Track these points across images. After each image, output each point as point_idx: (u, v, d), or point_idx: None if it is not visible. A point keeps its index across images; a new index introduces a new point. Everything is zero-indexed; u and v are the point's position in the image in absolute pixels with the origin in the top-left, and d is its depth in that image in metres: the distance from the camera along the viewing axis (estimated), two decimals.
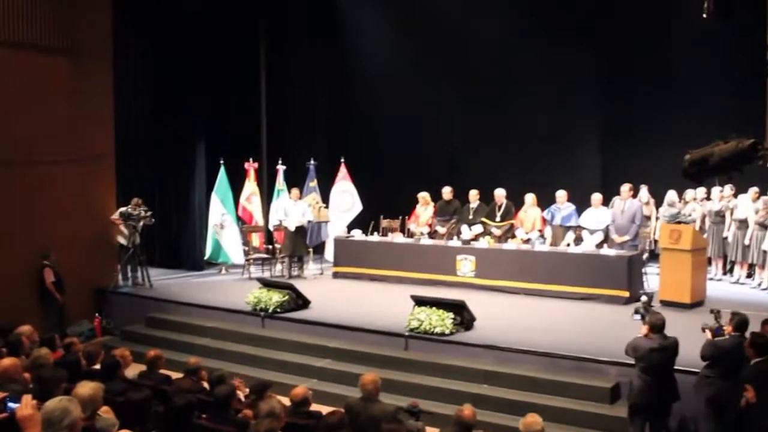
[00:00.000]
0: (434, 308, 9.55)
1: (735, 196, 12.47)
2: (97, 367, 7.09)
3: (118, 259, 13.11)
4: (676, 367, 7.01)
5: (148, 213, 12.89)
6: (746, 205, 12.21)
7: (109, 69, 13.05)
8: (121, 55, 13.48)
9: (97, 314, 12.42)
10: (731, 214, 12.41)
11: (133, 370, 7.64)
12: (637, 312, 7.43)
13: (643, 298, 7.56)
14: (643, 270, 11.78)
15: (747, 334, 6.74)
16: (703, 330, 7.11)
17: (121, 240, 13.08)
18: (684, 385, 7.03)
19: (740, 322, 6.79)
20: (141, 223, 12.81)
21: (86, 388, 4.91)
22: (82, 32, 12.41)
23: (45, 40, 11.88)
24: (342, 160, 15.12)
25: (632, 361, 7.09)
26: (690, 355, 7.12)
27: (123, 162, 13.60)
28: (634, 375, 7.02)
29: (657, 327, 6.81)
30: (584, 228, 12.30)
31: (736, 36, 10.83)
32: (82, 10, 12.39)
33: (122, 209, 12.80)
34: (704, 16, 6.30)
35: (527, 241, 12.45)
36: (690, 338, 7.20)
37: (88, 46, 12.52)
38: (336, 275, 13.40)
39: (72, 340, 8.08)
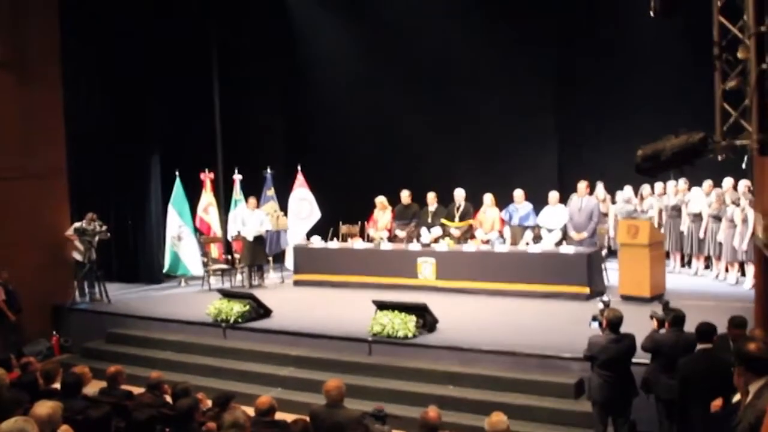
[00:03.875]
0: (396, 312, 9.56)
1: (689, 189, 12.66)
2: (56, 386, 6.96)
3: (75, 276, 12.90)
4: (636, 361, 7.06)
5: (104, 228, 12.69)
6: (700, 198, 12.40)
7: (58, 82, 12.86)
8: (70, 67, 13.27)
9: (54, 332, 12.21)
10: (687, 207, 12.59)
11: (93, 387, 7.50)
12: (594, 319, 7.48)
13: (600, 306, 7.61)
14: (603, 266, 11.90)
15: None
16: (651, 318, 7.21)
17: (77, 256, 12.86)
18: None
19: (676, 318, 6.84)
20: (96, 238, 12.60)
21: (44, 407, 4.80)
22: (29, 45, 12.22)
23: None
24: (299, 167, 15.07)
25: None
26: None
27: (76, 176, 13.40)
28: (592, 374, 7.07)
29: (613, 323, 6.85)
30: (542, 227, 12.40)
31: (685, 33, 11.02)
32: (28, 22, 12.19)
33: (77, 225, 12.60)
34: (651, 14, 6.38)
35: (487, 241, 12.51)
36: (651, 324, 7.25)
37: (36, 59, 12.33)
38: (297, 283, 13.34)
39: (29, 359, 7.92)
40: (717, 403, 5.71)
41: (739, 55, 5.61)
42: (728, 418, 5.05)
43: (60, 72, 12.90)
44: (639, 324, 7.41)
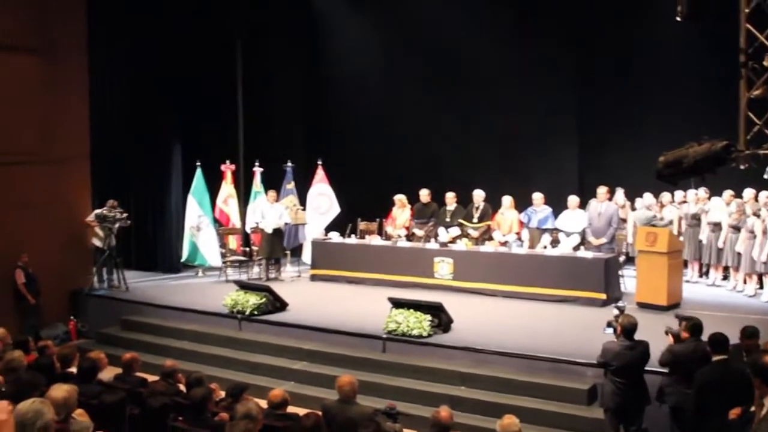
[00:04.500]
0: (412, 310, 9.55)
1: (709, 198, 12.56)
2: (72, 370, 7.02)
3: (94, 262, 13.00)
4: (649, 369, 7.03)
5: (124, 215, 12.78)
6: (720, 207, 12.29)
7: (84, 69, 12.96)
8: (96, 55, 13.37)
9: (72, 317, 12.30)
10: (706, 216, 12.49)
11: (109, 373, 7.57)
12: (609, 325, 7.46)
13: (615, 312, 7.59)
14: (620, 273, 11.84)
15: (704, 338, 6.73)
16: (666, 333, 7.15)
17: (97, 242, 12.96)
18: (655, 388, 7.05)
19: (694, 327, 6.76)
20: (117, 225, 12.70)
21: (60, 390, 4.84)
22: (57, 32, 12.32)
23: (18, 39, 11.77)
24: (319, 162, 15.09)
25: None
26: None
27: (99, 163, 13.50)
28: (605, 381, 7.04)
29: (627, 330, 6.82)
30: (561, 230, 12.36)
31: (711, 38, 10.95)
32: (57, 9, 12.29)
33: (98, 211, 12.70)
34: (678, 19, 6.35)
35: (505, 243, 12.48)
36: (665, 340, 7.23)
37: (62, 46, 12.44)
38: (313, 278, 13.37)
39: (46, 343, 8.00)
40: (736, 411, 5.67)
41: (766, 63, 5.58)
42: (744, 427, 5.02)
43: (86, 61, 13.00)
44: (654, 332, 7.38)
